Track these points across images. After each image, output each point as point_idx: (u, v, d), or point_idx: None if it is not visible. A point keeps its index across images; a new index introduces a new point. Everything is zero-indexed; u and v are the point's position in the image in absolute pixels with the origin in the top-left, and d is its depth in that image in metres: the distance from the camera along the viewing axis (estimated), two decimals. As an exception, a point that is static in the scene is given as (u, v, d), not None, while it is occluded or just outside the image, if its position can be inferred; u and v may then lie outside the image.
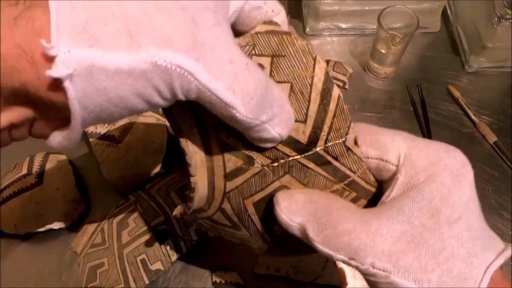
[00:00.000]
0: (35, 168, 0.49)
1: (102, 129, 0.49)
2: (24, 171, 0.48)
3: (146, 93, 0.17)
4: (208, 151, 0.24)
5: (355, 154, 0.23)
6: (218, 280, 0.44)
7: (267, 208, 0.25)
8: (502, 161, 0.52)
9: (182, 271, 0.45)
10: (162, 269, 0.43)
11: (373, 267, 0.21)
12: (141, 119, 0.49)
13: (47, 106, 0.17)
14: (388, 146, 0.23)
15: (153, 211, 0.45)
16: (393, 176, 0.23)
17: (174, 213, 0.28)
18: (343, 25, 0.62)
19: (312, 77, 0.21)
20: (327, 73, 0.21)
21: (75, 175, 0.50)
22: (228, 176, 0.24)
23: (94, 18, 0.15)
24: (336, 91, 0.22)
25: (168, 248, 0.44)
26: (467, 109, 0.55)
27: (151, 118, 0.50)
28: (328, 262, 0.44)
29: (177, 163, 0.51)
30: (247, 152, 0.23)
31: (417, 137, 0.23)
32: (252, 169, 0.23)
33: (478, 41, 0.56)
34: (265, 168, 0.23)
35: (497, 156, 0.52)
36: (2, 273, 0.45)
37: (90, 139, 0.49)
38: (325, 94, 0.22)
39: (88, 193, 0.50)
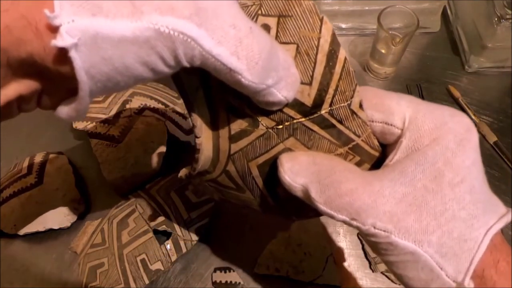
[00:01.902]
0: (35, 168, 0.49)
1: (102, 129, 0.49)
2: (24, 171, 0.48)
3: (151, 60, 0.17)
4: (214, 113, 0.24)
5: (359, 117, 0.23)
6: (218, 280, 0.44)
7: (271, 170, 0.25)
8: (502, 161, 0.52)
9: (182, 271, 0.45)
10: (162, 269, 0.43)
11: (374, 228, 0.21)
12: (141, 119, 0.49)
13: (55, 77, 0.17)
14: (393, 110, 0.23)
15: (153, 211, 0.45)
16: (397, 140, 0.23)
17: (179, 174, 0.28)
18: (343, 25, 0.62)
19: (319, 39, 0.21)
20: (333, 35, 0.21)
21: (75, 175, 0.50)
22: (233, 138, 0.24)
23: None
24: (342, 53, 0.21)
25: (168, 248, 0.44)
26: (467, 109, 0.55)
27: (151, 118, 0.50)
28: (328, 262, 0.44)
29: (177, 163, 0.51)
30: (252, 114, 0.23)
31: (423, 101, 0.23)
32: (256, 131, 0.23)
33: (478, 41, 0.56)
34: (270, 130, 0.23)
35: (497, 156, 0.52)
36: (2, 273, 0.45)
37: (90, 139, 0.49)
38: (331, 56, 0.21)
39: (88, 193, 0.50)
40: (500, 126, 0.54)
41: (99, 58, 0.16)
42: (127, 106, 0.50)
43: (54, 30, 0.16)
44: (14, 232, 0.46)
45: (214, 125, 0.24)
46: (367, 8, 0.59)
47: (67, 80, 0.17)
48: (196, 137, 0.24)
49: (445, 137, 0.21)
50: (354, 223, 0.21)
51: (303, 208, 0.26)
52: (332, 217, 0.21)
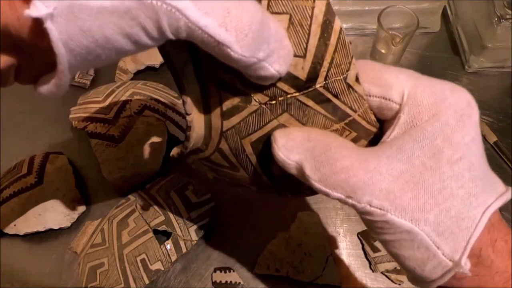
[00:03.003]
0: (35, 168, 0.49)
1: (102, 129, 0.49)
2: (24, 171, 0.48)
3: (133, 32, 0.16)
4: (204, 89, 0.23)
5: (356, 91, 0.22)
6: (218, 280, 0.44)
7: (265, 147, 0.24)
8: (502, 161, 0.52)
9: (182, 271, 0.45)
10: (162, 269, 0.43)
11: (370, 206, 0.20)
12: (141, 119, 0.49)
13: (32, 51, 0.17)
14: (391, 84, 0.22)
15: (153, 211, 0.45)
16: (395, 116, 0.22)
17: (171, 153, 0.27)
18: (343, 25, 0.62)
19: (313, 8, 0.20)
20: (328, 4, 0.20)
21: (75, 175, 0.50)
22: (225, 115, 0.23)
23: None
24: (337, 24, 0.20)
25: (168, 248, 0.44)
26: (467, 109, 0.55)
27: (151, 118, 0.50)
28: (328, 262, 0.44)
29: (177, 163, 0.51)
30: (244, 90, 0.22)
31: (422, 75, 0.22)
32: (249, 107, 0.22)
33: (478, 41, 0.56)
34: (263, 106, 0.22)
35: (497, 156, 0.52)
36: (2, 273, 0.45)
37: (90, 139, 0.49)
38: (326, 27, 0.20)
39: (88, 193, 0.50)
40: (500, 126, 0.54)
41: (77, 29, 0.15)
42: (127, 106, 0.50)
43: (27, 1, 0.15)
44: (14, 232, 0.46)
45: (205, 102, 0.23)
46: (367, 8, 0.59)
47: (44, 53, 0.16)
48: (187, 114, 0.23)
49: (445, 112, 0.21)
50: (350, 201, 0.20)
51: (298, 186, 0.25)
52: (327, 194, 0.21)
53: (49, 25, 0.15)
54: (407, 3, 0.54)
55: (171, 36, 0.17)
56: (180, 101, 0.54)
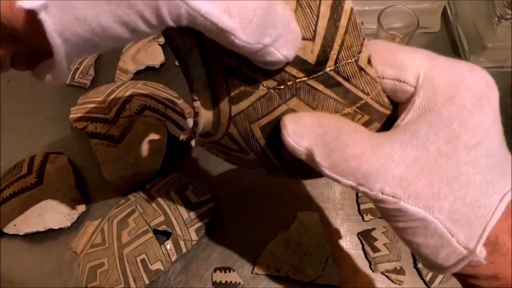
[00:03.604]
0: (35, 168, 0.49)
1: (102, 129, 0.49)
2: (24, 171, 0.48)
3: (130, 20, 0.15)
4: (210, 74, 0.22)
5: (368, 74, 0.21)
6: (218, 280, 0.44)
7: (274, 132, 0.23)
8: (502, 161, 0.52)
9: (182, 271, 0.45)
10: (162, 269, 0.43)
11: (382, 193, 0.19)
12: (141, 119, 0.49)
13: (27, 40, 0.16)
14: (406, 65, 0.21)
15: (153, 211, 0.45)
16: (410, 98, 0.21)
17: (180, 137, 0.26)
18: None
19: None
20: None
21: (75, 175, 0.50)
22: (233, 100, 0.23)
23: None
24: (348, 4, 0.19)
25: (168, 248, 0.44)
26: (467, 109, 0.55)
27: (151, 118, 0.50)
28: (328, 262, 0.44)
29: (177, 163, 0.51)
30: (251, 75, 0.21)
31: (440, 56, 0.21)
32: (257, 92, 0.22)
33: (478, 41, 0.56)
34: (271, 91, 0.22)
35: (497, 156, 0.52)
36: (2, 273, 0.45)
37: (90, 139, 0.49)
38: (336, 7, 0.19)
39: (88, 193, 0.50)
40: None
41: (73, 18, 0.15)
42: (127, 106, 0.50)
43: None
44: (14, 232, 0.46)
45: (212, 87, 0.23)
46: (367, 8, 0.59)
47: (40, 43, 0.16)
48: (194, 100, 0.23)
49: (462, 95, 0.19)
50: (361, 188, 0.20)
51: (308, 168, 0.24)
52: (337, 181, 0.20)
53: (43, 16, 0.14)
54: (407, 3, 0.54)
55: (171, 23, 0.16)
56: (180, 101, 0.54)
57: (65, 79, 0.18)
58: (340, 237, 0.47)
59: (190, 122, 0.53)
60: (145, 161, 0.48)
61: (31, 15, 0.14)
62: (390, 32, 0.51)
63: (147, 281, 0.42)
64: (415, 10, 0.52)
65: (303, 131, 0.21)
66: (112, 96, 0.51)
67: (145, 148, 0.48)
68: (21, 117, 0.57)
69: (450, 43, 0.62)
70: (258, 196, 0.49)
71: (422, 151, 0.19)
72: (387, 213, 0.21)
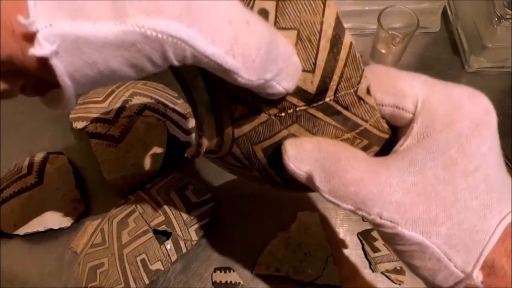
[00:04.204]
0: (35, 168, 0.49)
1: (102, 129, 0.49)
2: (24, 171, 0.48)
3: (138, 63, 0.16)
4: (214, 100, 0.23)
5: (367, 103, 0.22)
6: (218, 280, 0.44)
7: (276, 153, 0.24)
8: (502, 161, 0.52)
9: (182, 271, 0.45)
10: (162, 269, 0.43)
11: (381, 218, 0.20)
12: (141, 119, 0.49)
13: (37, 77, 0.17)
14: (404, 93, 0.21)
15: (153, 211, 0.45)
16: (409, 124, 0.21)
17: (186, 154, 0.28)
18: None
19: (321, 23, 0.19)
20: (338, 18, 0.20)
21: (75, 175, 0.50)
22: (235, 123, 0.24)
23: None
24: (347, 38, 0.20)
25: (168, 248, 0.44)
26: (467, 109, 0.55)
27: (151, 118, 0.50)
28: (328, 262, 0.44)
29: (177, 163, 0.51)
30: (253, 102, 0.22)
31: (439, 81, 0.21)
32: (259, 118, 0.23)
33: (478, 41, 0.56)
34: (273, 117, 0.22)
35: (497, 156, 0.52)
36: (2, 273, 0.45)
37: (90, 139, 0.49)
38: (336, 42, 0.20)
39: (88, 193, 0.50)
40: (500, 126, 0.54)
41: (83, 62, 0.15)
42: (127, 106, 0.50)
43: (31, 35, 0.14)
44: (14, 232, 0.46)
45: (216, 111, 0.24)
46: (367, 8, 0.59)
47: (50, 79, 0.16)
48: (199, 122, 0.24)
49: (460, 122, 0.20)
50: (360, 212, 0.20)
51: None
52: (337, 205, 0.21)
53: (54, 61, 0.15)
54: (407, 3, 0.54)
55: (176, 63, 0.16)
56: (180, 101, 0.54)
57: (74, 107, 0.19)
58: (340, 238, 0.47)
59: (190, 122, 0.53)
60: (145, 161, 0.48)
61: (43, 59, 0.15)
62: (390, 32, 0.51)
63: (147, 281, 0.42)
64: (415, 10, 0.52)
65: (303, 156, 0.22)
66: (112, 96, 0.51)
67: (146, 149, 0.48)
68: (21, 117, 0.57)
69: (450, 43, 0.62)
70: (258, 196, 0.49)
71: (419, 177, 0.20)
72: (385, 236, 0.21)
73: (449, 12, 0.64)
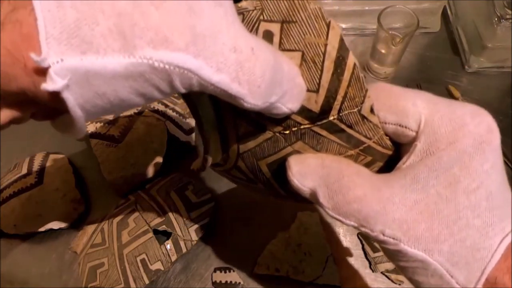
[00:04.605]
0: (35, 168, 0.49)
1: (102, 129, 0.49)
2: (24, 171, 0.48)
3: (147, 92, 0.17)
4: (220, 115, 0.24)
5: (370, 122, 0.22)
6: (218, 280, 0.44)
7: (280, 168, 0.24)
8: (502, 161, 0.52)
9: (182, 271, 0.45)
10: (162, 269, 0.43)
11: (383, 235, 0.20)
12: (141, 119, 0.49)
13: (48, 107, 0.17)
14: (408, 111, 0.21)
15: (153, 211, 0.45)
16: (412, 141, 0.22)
17: (192, 167, 0.28)
18: (343, 25, 0.62)
19: (325, 45, 0.20)
20: (341, 40, 0.20)
21: (75, 175, 0.50)
22: (240, 139, 0.24)
23: (84, 18, 0.15)
24: (351, 59, 0.20)
25: (168, 248, 0.44)
26: (467, 109, 0.55)
27: (151, 118, 0.50)
28: (328, 262, 0.44)
29: (177, 163, 0.51)
30: (258, 120, 0.23)
31: (442, 100, 0.22)
32: (263, 135, 0.23)
33: (478, 41, 0.56)
34: (277, 134, 0.23)
35: (497, 156, 0.52)
36: (2, 273, 0.45)
37: (90, 139, 0.49)
38: (339, 63, 0.20)
39: (88, 193, 0.50)
40: (500, 126, 0.54)
41: (93, 94, 0.16)
42: (127, 106, 0.50)
43: (43, 70, 0.15)
44: (14, 232, 0.46)
45: (221, 127, 0.24)
46: (367, 8, 0.59)
47: (61, 107, 0.17)
48: (205, 138, 0.25)
49: (463, 141, 0.20)
50: (363, 229, 0.21)
51: None
52: (340, 221, 0.21)
53: (65, 94, 0.15)
54: (407, 3, 0.54)
55: (183, 91, 0.17)
56: (180, 101, 0.54)
57: (84, 134, 0.19)
58: (345, 247, 0.47)
59: (190, 122, 0.53)
60: (145, 161, 0.48)
61: (55, 93, 0.15)
62: (390, 32, 0.51)
63: (147, 281, 0.42)
64: (415, 10, 0.52)
65: (307, 172, 0.22)
66: (112, 96, 0.51)
67: (146, 149, 0.48)
68: (21, 117, 0.57)
69: (450, 43, 0.62)
70: (258, 196, 0.49)
71: (422, 195, 0.20)
72: (388, 253, 0.21)
73: (449, 12, 0.64)
